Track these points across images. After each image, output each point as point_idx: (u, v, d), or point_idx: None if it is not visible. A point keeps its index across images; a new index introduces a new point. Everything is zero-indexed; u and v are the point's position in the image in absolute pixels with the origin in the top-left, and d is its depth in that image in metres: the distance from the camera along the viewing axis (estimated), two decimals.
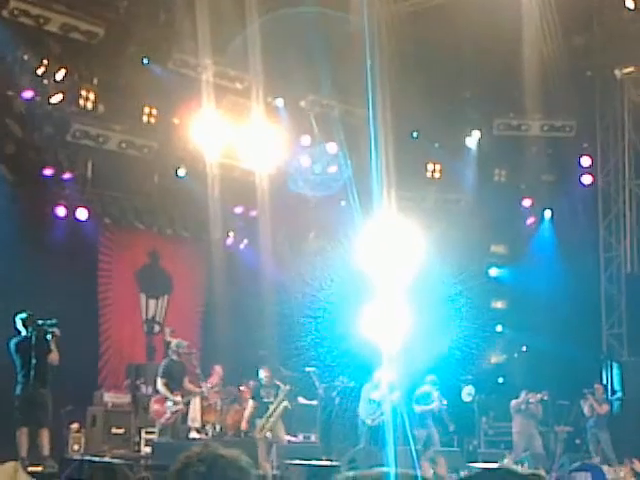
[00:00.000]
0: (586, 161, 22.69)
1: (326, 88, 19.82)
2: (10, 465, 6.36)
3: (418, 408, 17.40)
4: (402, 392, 16.50)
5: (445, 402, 17.54)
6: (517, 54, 19.37)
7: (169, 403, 16.47)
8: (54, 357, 14.41)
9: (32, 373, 14.06)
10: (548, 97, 20.40)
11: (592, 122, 22.41)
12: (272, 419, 16.25)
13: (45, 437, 14.33)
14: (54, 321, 14.44)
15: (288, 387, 16.64)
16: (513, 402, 18.87)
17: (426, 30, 18.96)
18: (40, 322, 14.34)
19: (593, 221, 22.69)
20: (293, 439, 18.37)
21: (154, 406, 16.82)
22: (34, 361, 14.05)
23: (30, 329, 14.32)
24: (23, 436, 14.19)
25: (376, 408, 16.94)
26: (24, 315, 14.47)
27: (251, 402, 16.70)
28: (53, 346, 14.40)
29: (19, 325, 14.43)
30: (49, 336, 14.38)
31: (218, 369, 18.78)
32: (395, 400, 16.64)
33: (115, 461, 13.52)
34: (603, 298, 22.62)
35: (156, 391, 16.98)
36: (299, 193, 20.67)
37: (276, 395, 16.46)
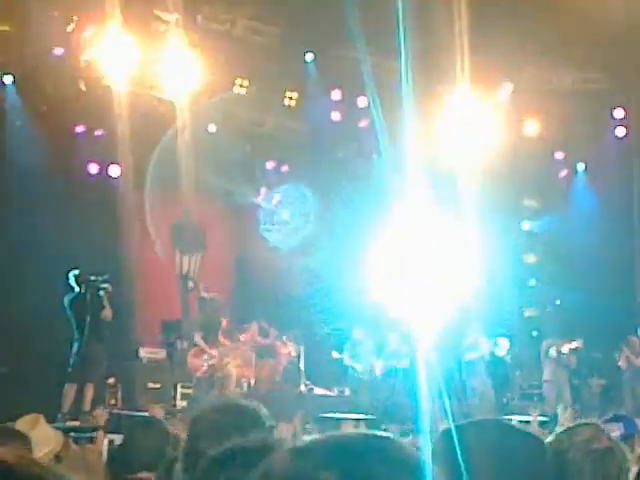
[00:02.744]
0: (619, 113, 22.43)
1: (356, 41, 19.67)
2: (29, 417, 6.39)
3: (468, 356, 17.62)
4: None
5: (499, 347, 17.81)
6: (549, 4, 19.10)
7: (205, 356, 16.59)
8: (107, 313, 14.56)
9: (87, 330, 14.19)
10: (581, 48, 20.14)
11: (626, 74, 22.12)
12: None
13: (89, 392, 14.52)
14: (106, 277, 14.58)
15: None
16: (543, 345, 18.89)
17: None
18: (92, 278, 14.45)
19: (627, 173, 22.48)
20: (328, 392, 18.50)
21: (191, 360, 16.95)
22: (88, 318, 14.17)
23: (83, 286, 14.43)
24: (71, 391, 14.39)
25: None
26: (77, 272, 14.57)
27: None
28: (106, 302, 14.52)
29: (72, 282, 14.54)
30: (101, 292, 14.51)
31: (253, 324, 18.87)
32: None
33: (151, 415, 13.68)
34: (637, 250, 22.45)
35: (193, 344, 17.09)
36: (330, 147, 20.60)
37: None
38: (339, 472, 1.49)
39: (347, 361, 18.40)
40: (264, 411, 3.22)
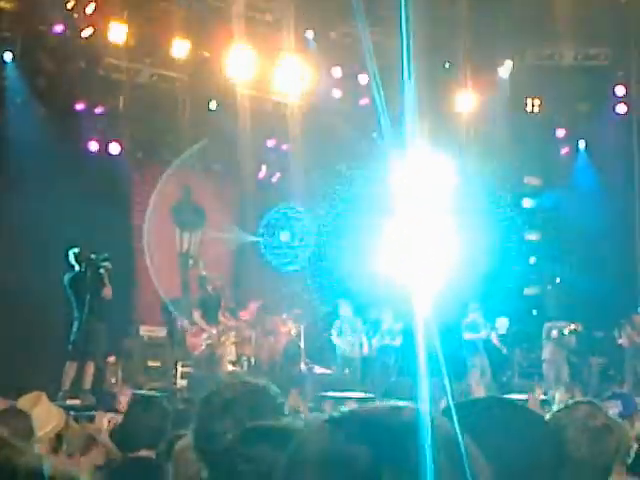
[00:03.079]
0: (621, 90, 22.35)
1: (357, 18, 19.59)
2: (31, 396, 6.39)
3: (468, 336, 17.65)
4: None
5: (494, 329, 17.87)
6: None
7: (204, 335, 16.60)
8: (107, 291, 14.55)
9: (87, 308, 14.19)
10: (582, 25, 20.06)
11: (627, 50, 22.04)
12: None
13: (90, 371, 14.53)
14: (106, 255, 14.55)
15: None
16: (545, 326, 18.91)
17: None
18: (93, 256, 14.43)
19: (628, 151, 22.41)
20: (328, 371, 18.52)
21: (190, 339, 16.96)
22: (88, 296, 14.17)
23: (83, 264, 14.42)
24: (71, 370, 14.40)
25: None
26: (76, 250, 14.54)
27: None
28: (106, 280, 14.51)
29: (72, 260, 14.52)
30: (102, 270, 14.49)
31: (253, 302, 18.87)
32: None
33: (152, 393, 13.70)
34: (638, 228, 22.42)
35: (192, 323, 17.11)
36: (331, 125, 20.55)
37: None
38: (372, 446, 1.49)
39: (335, 339, 18.41)
40: (274, 388, 3.24)
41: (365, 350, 18.47)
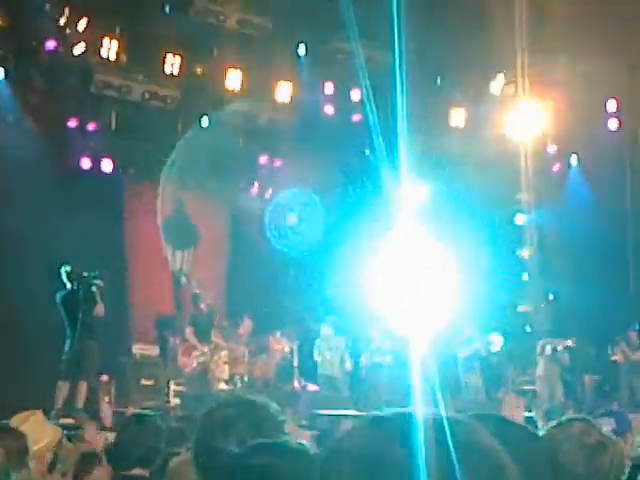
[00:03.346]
0: (612, 105, 22.40)
1: (349, 33, 19.63)
2: (25, 414, 6.37)
3: (463, 352, 17.65)
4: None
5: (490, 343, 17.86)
6: None
7: (196, 353, 16.56)
8: (100, 309, 14.48)
9: (79, 326, 14.14)
10: (574, 40, 20.09)
11: (618, 66, 22.08)
12: None
13: (82, 390, 14.47)
14: (97, 272, 14.50)
15: None
16: (539, 344, 18.90)
17: None
18: (84, 274, 14.39)
19: (620, 166, 22.45)
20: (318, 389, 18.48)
21: (181, 357, 16.94)
22: (80, 314, 14.11)
23: (75, 282, 14.37)
24: (63, 388, 14.32)
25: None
26: (68, 268, 14.50)
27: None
28: (98, 298, 14.46)
29: (64, 278, 14.47)
30: (93, 288, 14.44)
31: (246, 320, 18.84)
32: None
33: (145, 412, 13.63)
34: (631, 244, 22.44)
35: (184, 340, 17.08)
36: (323, 141, 20.55)
37: None
38: (413, 449, 1.50)
39: (315, 357, 18.37)
40: (274, 406, 3.23)
41: (348, 368, 18.39)
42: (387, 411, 1.63)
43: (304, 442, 2.87)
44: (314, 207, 20.62)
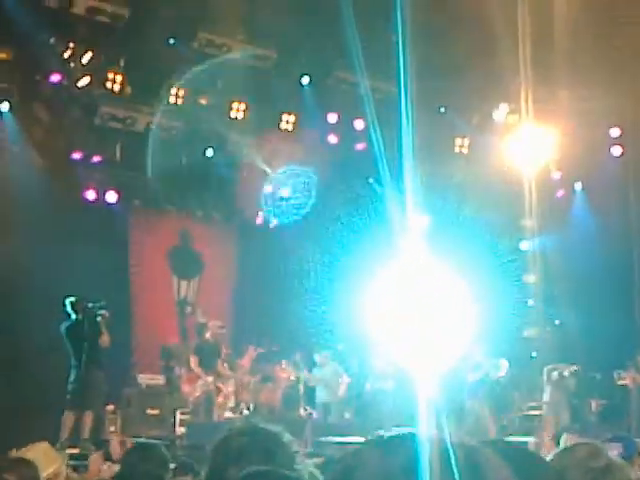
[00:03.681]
0: (615, 132, 22.45)
1: (353, 64, 19.73)
2: (34, 446, 6.43)
3: (471, 377, 17.62)
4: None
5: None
6: (547, 25, 19.13)
7: (200, 382, 16.53)
8: (105, 339, 14.50)
9: (84, 357, 14.14)
10: (577, 68, 20.16)
11: (621, 93, 22.13)
12: None
13: (88, 420, 14.45)
14: (103, 303, 14.53)
15: None
16: (546, 369, 18.86)
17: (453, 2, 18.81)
18: (89, 305, 14.41)
19: (624, 192, 22.47)
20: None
21: (183, 386, 16.92)
22: (86, 345, 14.12)
23: (80, 313, 14.39)
24: (69, 419, 14.32)
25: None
26: (73, 299, 14.51)
27: None
28: (103, 328, 14.47)
29: (68, 309, 14.48)
30: (99, 318, 14.46)
31: (251, 349, 18.80)
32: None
33: (151, 441, 13.62)
34: (636, 269, 22.43)
35: (190, 370, 17.05)
36: (325, 170, 20.58)
37: None
38: (421, 475, 1.51)
39: (316, 384, 18.52)
40: (287, 436, 3.21)
41: (341, 394, 18.45)
42: (392, 434, 1.64)
43: (314, 472, 2.86)
44: (307, 178, 20.61)
